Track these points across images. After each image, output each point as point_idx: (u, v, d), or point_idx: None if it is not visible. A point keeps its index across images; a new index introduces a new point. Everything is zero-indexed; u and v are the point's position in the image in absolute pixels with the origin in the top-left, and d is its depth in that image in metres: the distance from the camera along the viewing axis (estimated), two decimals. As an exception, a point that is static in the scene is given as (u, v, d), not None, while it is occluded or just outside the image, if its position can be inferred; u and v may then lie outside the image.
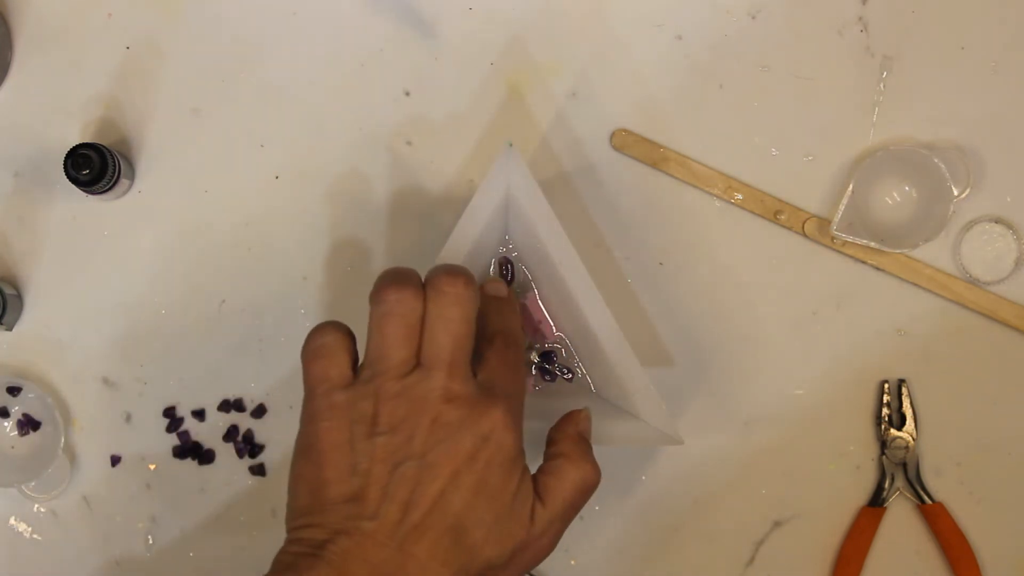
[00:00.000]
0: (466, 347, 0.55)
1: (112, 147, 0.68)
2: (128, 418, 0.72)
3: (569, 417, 0.59)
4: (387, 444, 0.53)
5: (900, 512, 0.72)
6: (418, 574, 0.51)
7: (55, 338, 0.72)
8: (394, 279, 0.55)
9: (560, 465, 0.56)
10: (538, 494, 0.55)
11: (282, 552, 0.54)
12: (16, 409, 0.71)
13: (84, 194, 0.68)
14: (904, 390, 0.71)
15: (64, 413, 0.71)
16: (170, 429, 0.72)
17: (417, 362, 0.54)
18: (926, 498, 0.71)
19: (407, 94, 0.72)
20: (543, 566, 0.72)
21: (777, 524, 0.72)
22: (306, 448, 0.55)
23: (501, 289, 0.62)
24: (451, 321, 0.54)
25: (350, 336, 0.57)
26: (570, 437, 0.58)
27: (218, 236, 0.72)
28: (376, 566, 0.51)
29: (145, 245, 0.72)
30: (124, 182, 0.69)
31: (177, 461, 0.72)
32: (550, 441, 0.59)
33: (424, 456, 0.53)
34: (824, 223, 0.71)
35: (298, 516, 0.54)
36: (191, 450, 0.72)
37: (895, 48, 0.72)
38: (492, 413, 0.53)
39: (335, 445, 0.53)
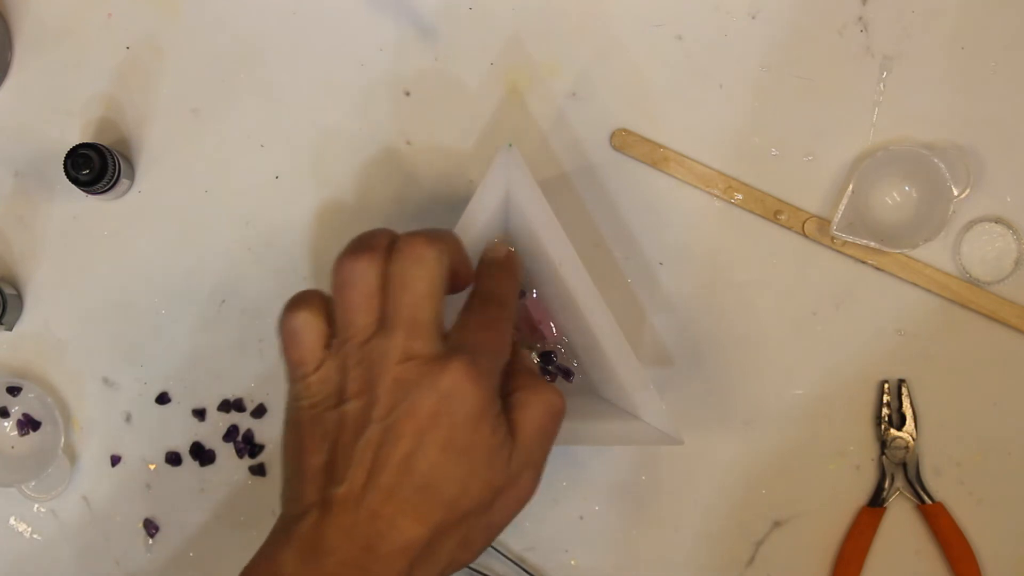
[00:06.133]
0: (428, 306, 0.54)
1: (112, 147, 0.68)
2: (128, 418, 0.72)
3: (513, 354, 0.58)
4: (352, 411, 0.53)
5: (900, 512, 0.72)
6: (391, 533, 0.51)
7: (55, 338, 0.72)
8: (353, 248, 0.55)
9: (520, 399, 0.55)
10: (509, 434, 0.54)
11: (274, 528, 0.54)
12: (16, 409, 0.71)
13: (84, 194, 0.68)
14: (904, 390, 0.71)
15: (64, 413, 0.71)
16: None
17: (380, 325, 0.54)
18: (926, 498, 0.71)
19: (407, 94, 0.72)
20: (543, 566, 0.72)
21: (777, 524, 0.72)
22: (289, 423, 0.56)
23: (499, 251, 0.62)
24: (411, 279, 0.53)
25: (323, 306, 0.56)
26: (521, 372, 0.57)
27: (218, 236, 0.72)
28: (347, 531, 0.51)
29: (145, 245, 0.72)
30: (124, 182, 0.69)
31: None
32: (503, 381, 0.57)
33: (386, 418, 0.52)
34: (824, 223, 0.71)
35: (284, 488, 0.55)
36: (191, 450, 0.72)
37: (895, 48, 0.72)
38: (451, 369, 0.52)
39: (312, 420, 0.54)
